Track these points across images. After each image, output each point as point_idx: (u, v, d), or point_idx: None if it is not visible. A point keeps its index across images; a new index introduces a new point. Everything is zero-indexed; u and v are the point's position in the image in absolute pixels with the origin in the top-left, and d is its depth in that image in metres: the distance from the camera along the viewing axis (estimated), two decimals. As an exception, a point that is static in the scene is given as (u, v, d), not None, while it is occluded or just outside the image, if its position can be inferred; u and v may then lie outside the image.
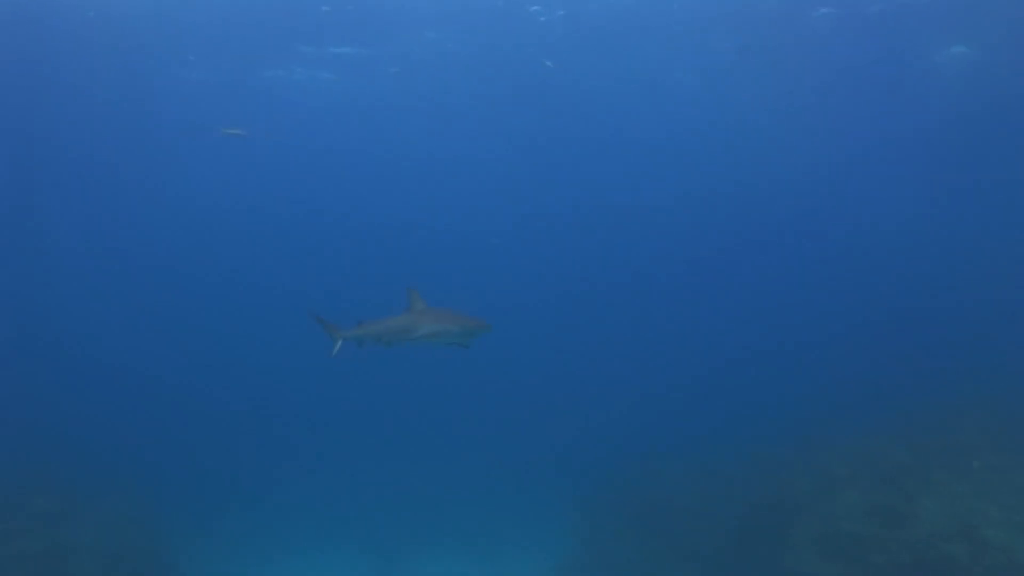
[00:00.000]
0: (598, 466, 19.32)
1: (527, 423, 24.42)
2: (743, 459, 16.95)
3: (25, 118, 27.80)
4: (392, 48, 24.14)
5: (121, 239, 36.27)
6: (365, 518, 18.90)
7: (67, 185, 32.97)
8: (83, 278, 33.83)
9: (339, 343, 10.84)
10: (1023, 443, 13.24)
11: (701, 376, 25.36)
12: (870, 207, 33.27)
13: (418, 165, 35.74)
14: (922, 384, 17.72)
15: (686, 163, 32.70)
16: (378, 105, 28.77)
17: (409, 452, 22.51)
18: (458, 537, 18.18)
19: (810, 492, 14.47)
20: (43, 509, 15.13)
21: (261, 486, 20.72)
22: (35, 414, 22.79)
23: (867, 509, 13.25)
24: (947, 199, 31.64)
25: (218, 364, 31.00)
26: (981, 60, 22.94)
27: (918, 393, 16.83)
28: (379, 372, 25.98)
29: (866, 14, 20.82)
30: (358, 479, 20.78)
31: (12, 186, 31.18)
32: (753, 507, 15.09)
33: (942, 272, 31.02)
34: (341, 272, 36.59)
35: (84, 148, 31.06)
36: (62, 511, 15.32)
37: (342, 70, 25.88)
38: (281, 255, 38.13)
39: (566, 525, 17.79)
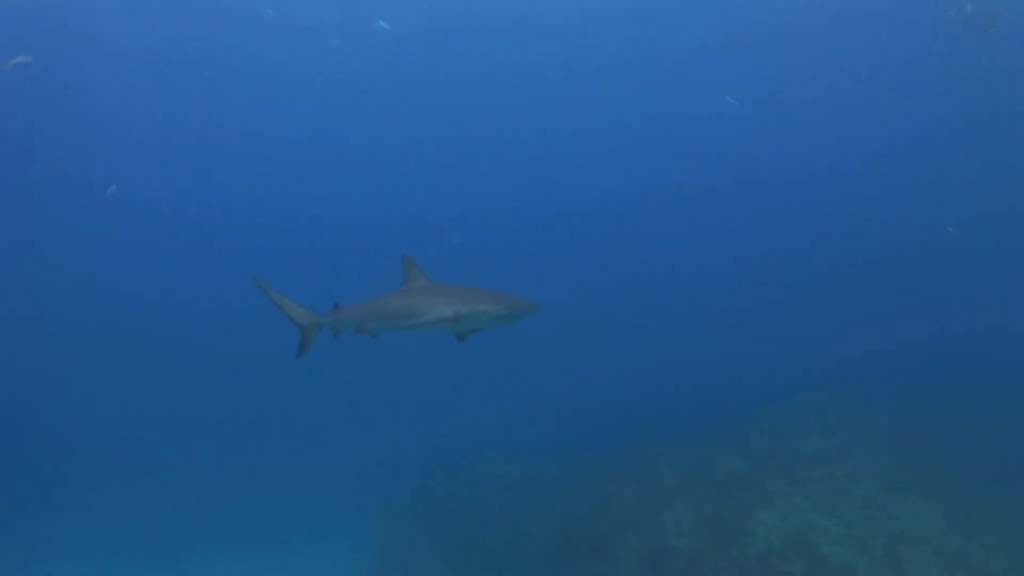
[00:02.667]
0: (402, 471, 17.61)
1: (331, 429, 22.93)
2: (563, 466, 15.40)
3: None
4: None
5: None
6: (157, 524, 17.85)
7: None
8: None
9: (313, 334, 8.20)
10: (868, 451, 12.40)
11: (520, 378, 23.90)
12: (714, 217, 33.85)
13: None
14: (760, 389, 16.97)
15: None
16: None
17: (207, 457, 21.32)
18: (251, 546, 16.83)
19: (635, 503, 13.02)
20: None
21: (54, 489, 19.81)
22: None
23: (698, 523, 11.91)
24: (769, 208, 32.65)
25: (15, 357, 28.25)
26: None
27: (755, 398, 15.96)
28: (183, 374, 26.60)
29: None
30: (152, 484, 19.82)
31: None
32: (572, 518, 13.50)
33: (783, 277, 31.79)
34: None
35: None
36: None
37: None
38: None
39: (364, 534, 16.13)
